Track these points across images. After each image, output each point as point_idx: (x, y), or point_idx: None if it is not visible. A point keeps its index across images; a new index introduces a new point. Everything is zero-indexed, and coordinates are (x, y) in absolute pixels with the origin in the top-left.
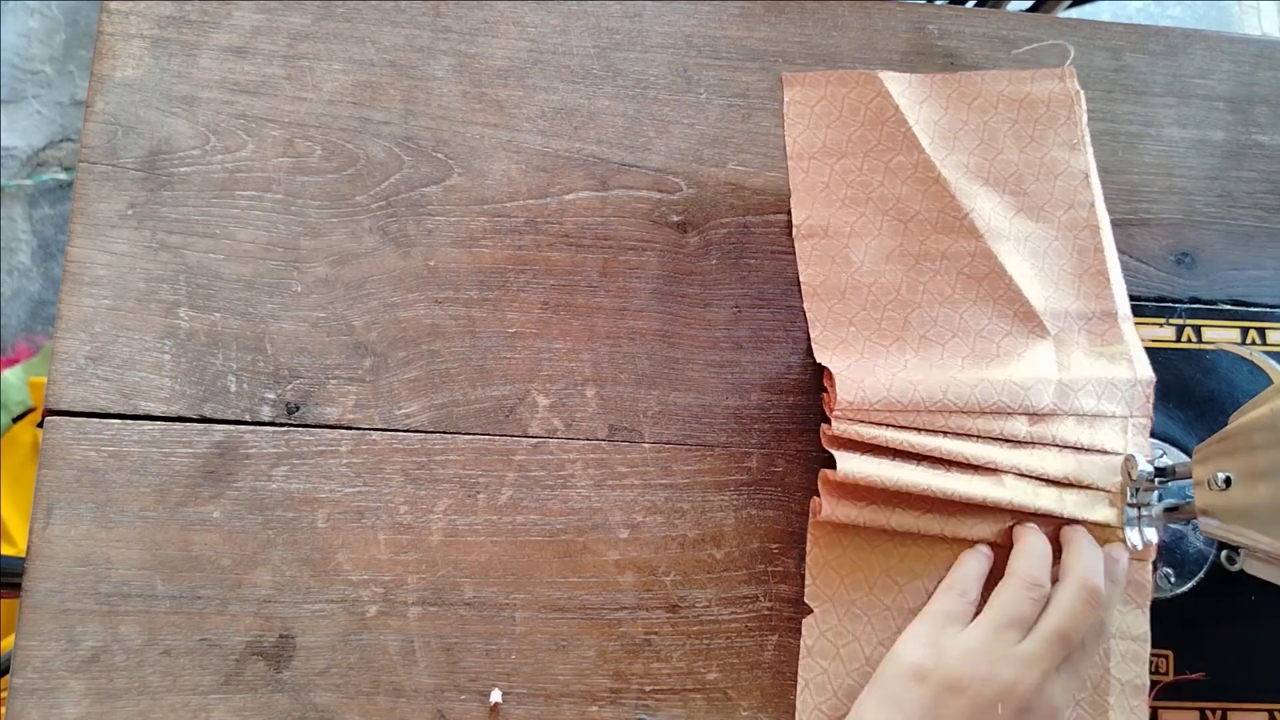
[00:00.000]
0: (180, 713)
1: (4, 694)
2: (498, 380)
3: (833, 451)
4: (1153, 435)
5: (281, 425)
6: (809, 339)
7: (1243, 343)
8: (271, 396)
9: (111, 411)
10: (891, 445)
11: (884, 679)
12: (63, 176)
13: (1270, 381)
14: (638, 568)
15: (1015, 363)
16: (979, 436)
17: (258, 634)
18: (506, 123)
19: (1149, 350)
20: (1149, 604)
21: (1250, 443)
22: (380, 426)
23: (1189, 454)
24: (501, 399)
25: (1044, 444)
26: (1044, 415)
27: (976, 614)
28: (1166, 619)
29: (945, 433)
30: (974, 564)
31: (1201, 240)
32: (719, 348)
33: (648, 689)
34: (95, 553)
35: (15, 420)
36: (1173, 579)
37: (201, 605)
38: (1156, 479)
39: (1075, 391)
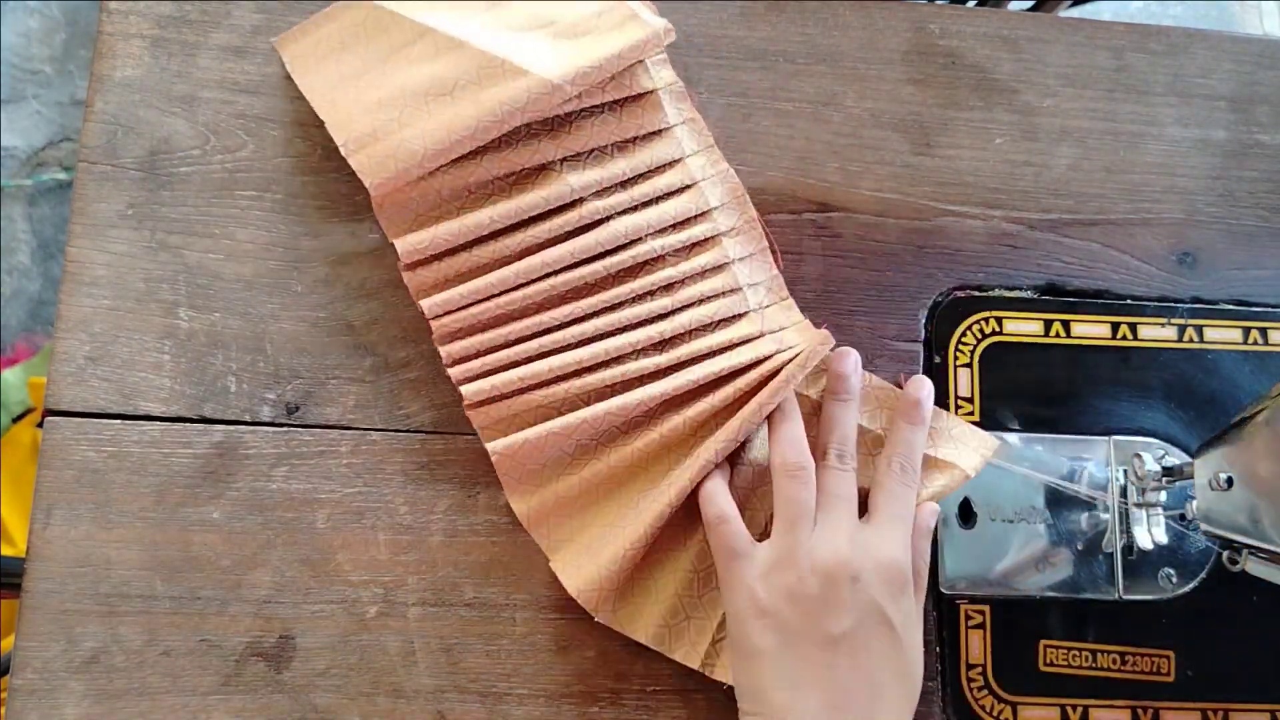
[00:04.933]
0: (180, 713)
1: (4, 694)
2: None
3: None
4: (1153, 435)
5: (281, 425)
6: None
7: (1244, 343)
8: (271, 397)
9: (111, 412)
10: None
11: (732, 639)
12: (63, 176)
13: (1272, 382)
14: None
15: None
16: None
17: (258, 635)
18: None
19: (1151, 350)
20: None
21: (1252, 443)
22: (380, 427)
23: (1191, 454)
24: None
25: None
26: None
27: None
28: (1169, 619)
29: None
30: (713, 485)
31: (1203, 240)
32: None
33: (649, 689)
34: (95, 553)
35: (15, 420)
36: (1175, 579)
37: (201, 606)
38: (1164, 478)
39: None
